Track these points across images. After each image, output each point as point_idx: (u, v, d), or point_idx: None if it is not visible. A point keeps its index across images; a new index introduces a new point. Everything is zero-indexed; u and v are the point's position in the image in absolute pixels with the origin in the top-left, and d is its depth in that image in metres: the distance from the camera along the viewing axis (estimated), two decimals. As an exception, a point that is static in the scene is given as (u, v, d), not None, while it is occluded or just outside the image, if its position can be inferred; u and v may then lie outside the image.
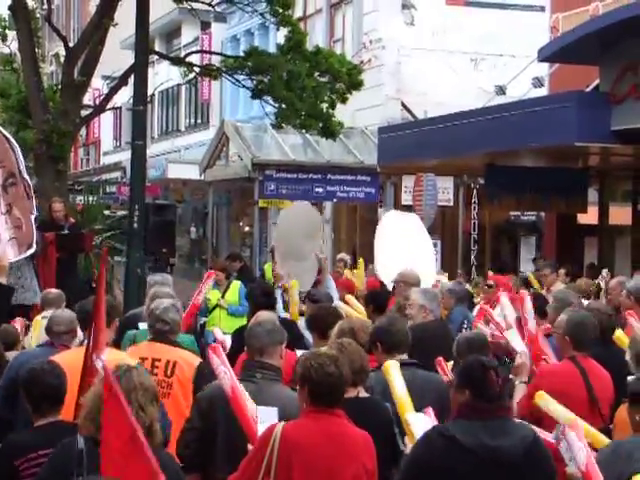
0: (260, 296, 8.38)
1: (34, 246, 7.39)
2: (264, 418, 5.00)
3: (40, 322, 8.04)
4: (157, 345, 6.70)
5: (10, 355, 7.85)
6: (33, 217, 7.34)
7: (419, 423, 5.00)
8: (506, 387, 4.79)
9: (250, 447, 4.97)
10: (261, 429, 4.93)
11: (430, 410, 5.12)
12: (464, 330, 8.94)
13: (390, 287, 10.02)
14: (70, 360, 6.01)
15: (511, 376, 6.25)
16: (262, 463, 4.71)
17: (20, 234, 7.22)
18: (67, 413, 5.40)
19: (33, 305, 10.75)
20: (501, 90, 22.85)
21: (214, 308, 12.86)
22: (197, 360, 6.70)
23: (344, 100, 17.98)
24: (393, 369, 5.48)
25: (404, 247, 10.84)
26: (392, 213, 11.98)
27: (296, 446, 4.72)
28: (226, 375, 5.24)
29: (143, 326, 7.51)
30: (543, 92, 21.26)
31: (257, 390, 5.39)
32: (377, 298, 8.75)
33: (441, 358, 6.56)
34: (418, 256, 10.87)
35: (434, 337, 7.33)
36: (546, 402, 5.43)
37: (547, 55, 17.93)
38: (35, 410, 5.42)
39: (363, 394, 5.63)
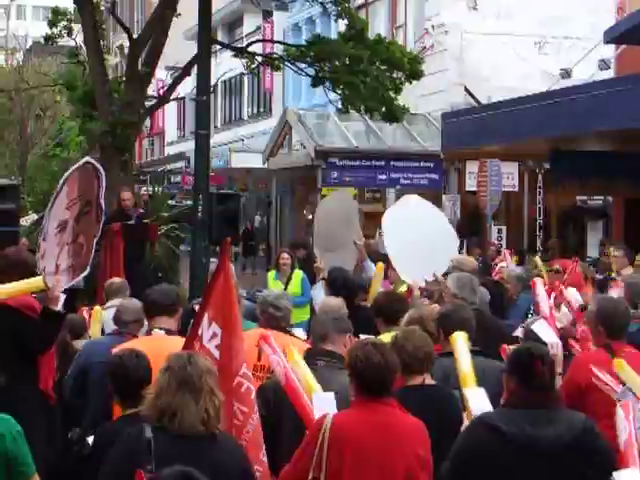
0: (342, 287, 8.41)
1: (88, 268, 7.46)
2: (320, 405, 4.99)
3: (100, 311, 8.13)
4: (273, 332, 6.51)
5: (77, 344, 7.96)
6: (95, 240, 7.42)
7: (477, 399, 4.96)
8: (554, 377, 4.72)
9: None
10: (317, 415, 4.93)
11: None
12: (530, 317, 8.82)
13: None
14: (153, 346, 6.05)
15: None
16: (313, 455, 4.69)
17: (78, 260, 7.30)
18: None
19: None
20: (566, 73, 22.55)
21: None
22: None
23: (398, 90, 17.85)
24: (459, 340, 5.43)
25: (413, 237, 10.25)
26: (390, 210, 11.40)
27: (346, 437, 4.69)
28: (279, 364, 5.24)
29: None
30: (609, 74, 20.93)
31: (316, 376, 5.37)
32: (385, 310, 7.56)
33: (505, 346, 6.48)
34: (433, 239, 10.30)
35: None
36: (626, 372, 5.27)
37: (613, 37, 17.65)
38: (123, 399, 5.47)
39: (429, 381, 5.59)
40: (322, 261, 10.91)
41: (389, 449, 4.73)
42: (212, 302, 5.22)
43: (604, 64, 21.40)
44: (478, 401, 4.93)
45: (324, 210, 12.28)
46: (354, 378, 4.84)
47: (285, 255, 13.04)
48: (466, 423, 4.94)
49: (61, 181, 7.42)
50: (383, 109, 17.88)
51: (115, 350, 5.99)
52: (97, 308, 8.21)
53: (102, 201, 7.31)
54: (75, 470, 5.83)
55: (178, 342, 5.66)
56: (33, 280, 7.00)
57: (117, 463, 4.41)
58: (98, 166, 7.45)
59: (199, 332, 5.22)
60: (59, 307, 6.81)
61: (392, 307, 7.00)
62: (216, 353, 5.15)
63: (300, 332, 8.27)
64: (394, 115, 18.14)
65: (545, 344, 6.21)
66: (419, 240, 9.86)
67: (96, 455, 5.36)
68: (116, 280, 9.29)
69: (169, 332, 6.36)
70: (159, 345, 6.04)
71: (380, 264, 9.89)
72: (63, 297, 6.83)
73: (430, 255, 9.53)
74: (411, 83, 18.17)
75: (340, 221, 11.32)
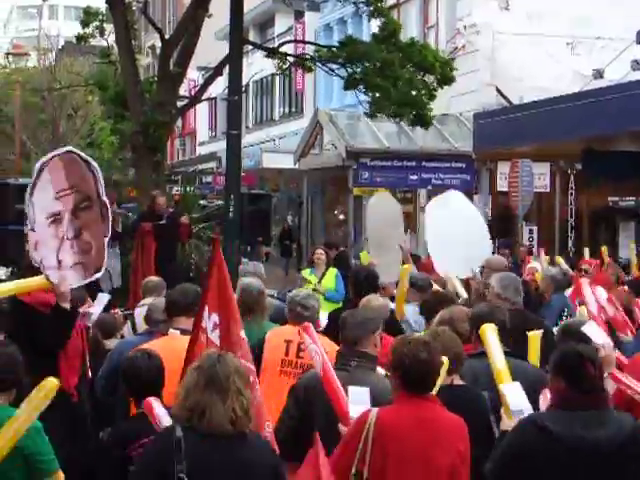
0: (364, 280, 8.41)
1: (102, 270, 7.36)
2: (355, 399, 5.00)
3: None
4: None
5: (109, 343, 8.00)
6: (106, 240, 7.28)
7: (514, 395, 4.94)
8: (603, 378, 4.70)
9: (341, 426, 4.97)
10: (352, 410, 4.94)
11: (547, 392, 4.99)
12: (564, 318, 8.78)
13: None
14: (167, 346, 6.08)
15: None
16: (357, 450, 4.71)
17: (88, 258, 7.18)
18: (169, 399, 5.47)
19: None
20: (599, 74, 22.42)
21: None
22: (336, 347, 6.71)
23: (432, 97, 17.80)
24: (489, 333, 5.40)
25: (452, 233, 10.42)
26: (432, 202, 11.70)
27: (390, 432, 4.71)
28: (318, 354, 5.26)
29: None
30: (642, 75, 20.80)
31: (348, 377, 5.38)
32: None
33: None
34: (470, 238, 10.46)
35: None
36: None
37: (646, 37, 17.53)
38: (137, 399, 5.50)
39: (458, 381, 5.59)
40: (375, 258, 11.09)
41: (432, 444, 4.77)
42: (209, 295, 5.51)
43: (637, 64, 21.25)
44: (515, 396, 4.92)
45: (372, 213, 12.42)
46: (399, 374, 4.86)
47: (319, 251, 13.36)
48: (505, 419, 4.93)
49: (37, 166, 7.22)
50: (413, 113, 17.83)
51: (130, 352, 6.03)
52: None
53: (106, 199, 7.21)
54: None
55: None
56: (38, 278, 7.03)
57: (148, 462, 4.43)
58: (89, 159, 7.31)
59: (202, 325, 5.43)
60: (67, 304, 6.82)
61: (440, 308, 7.00)
62: (218, 341, 5.35)
63: (323, 317, 8.35)
64: (424, 120, 18.08)
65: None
66: (457, 236, 10.05)
67: (110, 455, 5.40)
68: (153, 278, 9.34)
69: (184, 332, 6.35)
70: (173, 345, 6.08)
71: (406, 265, 9.92)
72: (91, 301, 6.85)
73: (466, 252, 9.62)
74: (442, 88, 18.11)
75: (388, 224, 11.43)
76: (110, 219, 7.24)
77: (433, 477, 4.76)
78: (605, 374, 6.02)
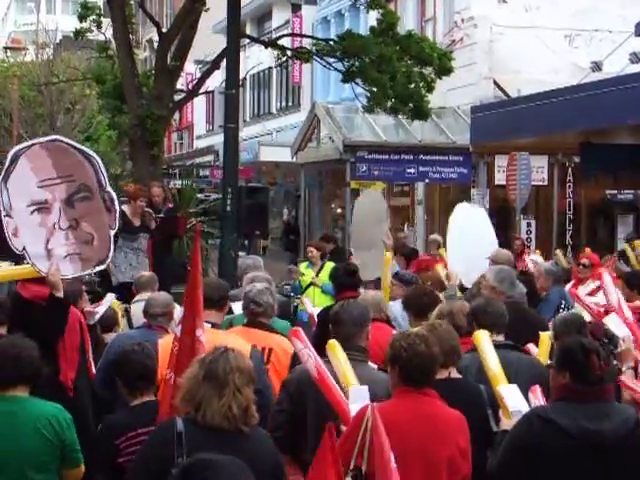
0: (343, 276, 8.39)
1: (107, 262, 7.24)
2: (356, 397, 4.99)
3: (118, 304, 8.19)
4: (253, 331, 6.66)
5: (108, 338, 8.00)
6: (112, 232, 7.13)
7: (512, 396, 4.95)
8: (609, 370, 4.70)
9: (343, 428, 4.97)
10: (353, 409, 4.92)
11: (537, 389, 5.04)
12: (561, 311, 8.78)
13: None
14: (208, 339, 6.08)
15: (615, 362, 6.08)
16: (355, 445, 4.70)
17: (87, 249, 7.03)
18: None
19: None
20: (597, 66, 22.41)
21: (308, 286, 13.13)
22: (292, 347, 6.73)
23: (430, 89, 17.78)
24: (483, 338, 5.41)
25: (471, 242, 10.61)
26: (462, 206, 11.88)
27: (389, 427, 4.69)
28: (310, 358, 5.23)
29: (237, 309, 7.53)
30: (640, 68, 20.79)
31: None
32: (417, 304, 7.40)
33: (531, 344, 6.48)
34: (483, 253, 10.70)
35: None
36: None
37: (644, 30, 17.52)
38: (130, 390, 5.52)
39: (455, 375, 5.59)
40: (357, 259, 11.03)
41: (431, 439, 4.77)
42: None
43: (635, 57, 21.25)
44: (513, 397, 4.92)
45: (358, 210, 12.49)
46: (397, 367, 4.85)
47: (311, 248, 13.49)
48: (504, 420, 4.92)
49: (12, 152, 7.01)
50: (411, 106, 17.81)
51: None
52: (114, 302, 8.26)
53: (110, 189, 7.09)
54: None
55: (227, 337, 5.75)
56: (24, 266, 6.97)
57: (148, 454, 4.43)
58: (84, 148, 7.19)
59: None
60: (60, 293, 6.77)
61: (422, 301, 7.01)
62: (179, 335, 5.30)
63: (308, 302, 8.32)
64: (422, 113, 18.06)
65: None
66: (476, 246, 10.14)
67: (100, 446, 5.42)
68: (145, 274, 9.31)
69: (215, 326, 6.35)
70: (211, 338, 6.08)
71: (388, 255, 9.93)
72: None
73: (477, 261, 9.69)
74: (441, 79, 18.09)
75: (372, 221, 11.47)
76: (117, 211, 7.12)
77: (432, 472, 4.76)
78: (624, 367, 6.03)
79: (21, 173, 6.94)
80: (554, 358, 4.85)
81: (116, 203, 7.08)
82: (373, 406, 4.71)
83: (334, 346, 5.31)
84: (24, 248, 6.91)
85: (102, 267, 7.25)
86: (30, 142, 7.23)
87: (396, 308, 8.52)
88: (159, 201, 13.77)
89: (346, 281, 8.24)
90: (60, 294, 6.77)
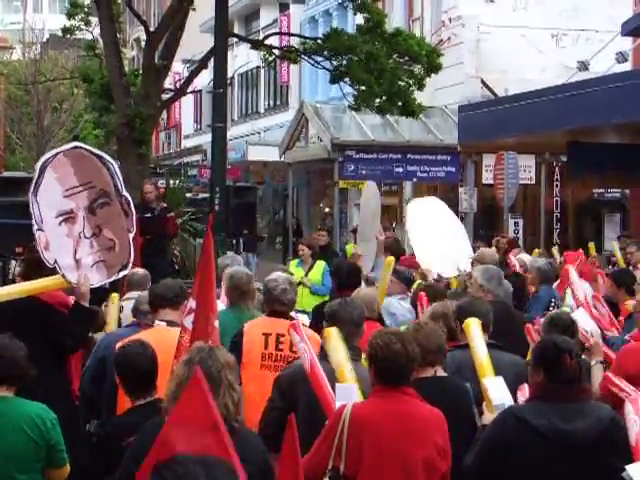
0: (347, 275, 8.39)
1: (129, 266, 7.21)
2: (341, 395, 4.99)
3: (116, 297, 8.13)
4: (279, 320, 6.60)
5: (98, 337, 7.98)
6: (132, 235, 7.11)
7: (496, 389, 4.96)
8: (583, 369, 4.71)
9: None
10: (338, 405, 4.93)
11: (525, 387, 5.05)
12: (551, 309, 8.80)
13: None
14: (154, 338, 6.07)
15: (584, 356, 6.10)
16: (333, 444, 4.69)
17: (110, 256, 7.03)
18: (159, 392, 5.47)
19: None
20: (584, 66, 22.45)
21: (297, 286, 13.01)
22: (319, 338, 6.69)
23: (421, 87, 17.81)
24: (474, 327, 5.41)
25: (436, 234, 10.70)
26: (414, 202, 12.02)
27: (365, 426, 4.68)
28: (306, 352, 5.24)
29: (221, 307, 7.51)
30: (627, 67, 20.84)
31: (333, 369, 5.37)
32: None
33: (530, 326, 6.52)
34: (452, 239, 10.79)
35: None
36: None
37: (631, 29, 17.59)
38: (133, 392, 5.48)
39: (441, 373, 5.58)
40: (359, 249, 11.17)
41: (408, 438, 4.73)
42: (194, 284, 5.71)
43: (621, 56, 21.29)
44: (498, 390, 4.93)
45: (364, 202, 12.52)
46: (373, 366, 4.84)
47: (302, 246, 13.33)
48: (487, 414, 4.94)
49: (39, 164, 7.07)
50: (399, 104, 17.83)
51: (119, 343, 6.02)
52: (114, 295, 8.22)
53: (126, 193, 7.06)
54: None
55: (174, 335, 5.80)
56: (54, 277, 6.98)
57: (138, 452, 4.42)
58: (102, 154, 7.17)
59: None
60: (87, 303, 6.82)
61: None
62: (191, 326, 5.48)
63: (305, 318, 8.31)
64: (411, 110, 18.08)
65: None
66: (440, 236, 10.18)
67: (107, 447, 5.39)
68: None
69: (170, 323, 6.39)
70: (160, 337, 6.09)
71: (390, 258, 9.95)
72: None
73: (451, 252, 9.73)
74: (430, 76, 18.12)
75: (370, 215, 11.51)
76: (134, 214, 7.09)
77: (409, 471, 4.72)
78: (593, 362, 6.07)
79: (48, 184, 6.97)
80: (531, 356, 4.86)
81: (132, 206, 7.07)
82: (350, 406, 4.71)
83: (334, 336, 5.27)
84: (55, 261, 6.93)
85: (125, 272, 7.21)
86: (55, 151, 7.22)
87: (393, 304, 8.56)
88: (152, 198, 13.75)
89: (349, 281, 8.23)
90: (86, 303, 6.80)
